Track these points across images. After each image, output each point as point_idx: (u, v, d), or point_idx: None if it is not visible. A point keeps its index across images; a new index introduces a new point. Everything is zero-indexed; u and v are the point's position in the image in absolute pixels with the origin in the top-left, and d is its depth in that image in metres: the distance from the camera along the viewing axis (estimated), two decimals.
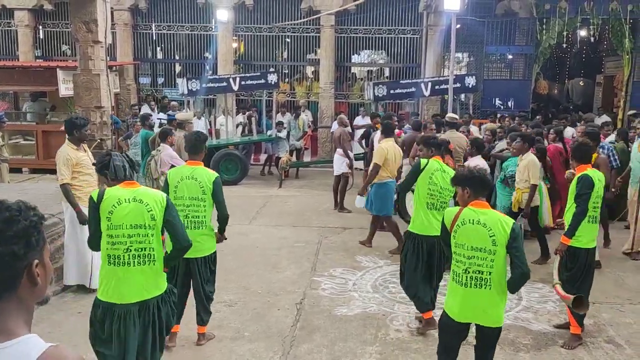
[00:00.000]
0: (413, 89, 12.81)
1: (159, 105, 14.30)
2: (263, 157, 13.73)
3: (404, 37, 15.53)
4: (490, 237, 3.38)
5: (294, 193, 11.07)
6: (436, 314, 4.65)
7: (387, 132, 7.44)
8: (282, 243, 7.58)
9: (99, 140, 7.76)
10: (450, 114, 9.87)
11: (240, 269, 6.52)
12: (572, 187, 4.78)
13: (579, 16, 14.49)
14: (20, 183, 10.29)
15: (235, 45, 16.15)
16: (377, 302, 5.60)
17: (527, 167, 6.63)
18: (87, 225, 5.68)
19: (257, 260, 6.88)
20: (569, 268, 4.73)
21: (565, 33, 15.12)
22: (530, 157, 6.70)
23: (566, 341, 4.75)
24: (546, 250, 6.76)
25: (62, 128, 5.96)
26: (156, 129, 9.46)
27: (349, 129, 10.96)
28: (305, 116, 14.37)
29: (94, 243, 3.52)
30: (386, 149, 7.18)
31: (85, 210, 5.51)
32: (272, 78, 12.81)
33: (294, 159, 13.03)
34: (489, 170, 6.92)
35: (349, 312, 5.34)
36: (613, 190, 7.32)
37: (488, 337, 3.61)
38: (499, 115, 12.73)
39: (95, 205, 3.42)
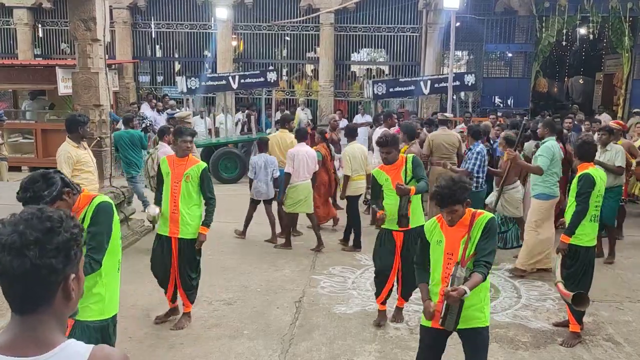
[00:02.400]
0: (412, 87, 12.81)
1: (159, 104, 14.26)
2: None
3: (403, 35, 15.53)
4: None
5: None
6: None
7: (282, 123, 8.13)
8: (281, 242, 7.57)
9: (98, 139, 7.74)
10: (442, 113, 9.87)
11: (239, 267, 6.52)
12: (573, 186, 4.78)
13: (579, 14, 14.50)
14: (20, 182, 10.27)
15: (234, 43, 16.15)
16: None
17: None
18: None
19: (255, 258, 6.88)
20: (569, 266, 4.72)
21: (564, 31, 15.14)
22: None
23: (565, 339, 4.74)
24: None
25: (64, 126, 5.95)
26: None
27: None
28: (305, 114, 14.36)
29: None
30: (272, 138, 7.88)
31: None
32: (272, 76, 12.80)
33: None
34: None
35: (348, 310, 5.34)
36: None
37: None
38: (499, 114, 12.71)
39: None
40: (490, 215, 3.33)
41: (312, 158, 7.20)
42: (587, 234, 4.71)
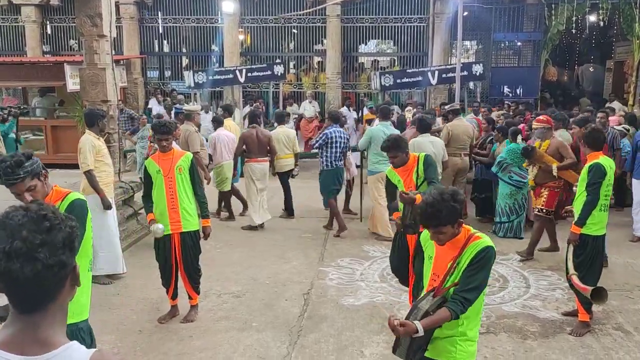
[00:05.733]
0: (420, 78, 12.72)
1: (166, 100, 14.31)
2: None
3: (410, 26, 15.41)
4: None
5: (301, 184, 11.05)
6: None
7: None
8: (289, 234, 7.60)
9: (106, 134, 7.78)
10: (450, 104, 9.79)
11: (248, 260, 6.55)
12: (583, 175, 4.73)
13: (588, 1, 14.31)
14: None
15: (241, 37, 16.13)
16: (385, 291, 5.60)
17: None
18: (111, 211, 5.79)
19: (264, 251, 6.91)
20: (577, 255, 4.70)
21: (574, 18, 14.94)
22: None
23: (574, 328, 4.73)
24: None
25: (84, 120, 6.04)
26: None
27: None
28: (313, 107, 14.33)
29: None
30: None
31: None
32: (279, 69, 12.79)
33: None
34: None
35: (356, 302, 5.35)
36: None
37: None
38: (506, 103, 12.63)
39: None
40: (488, 242, 2.73)
41: (231, 140, 8.19)
42: (596, 223, 4.68)
